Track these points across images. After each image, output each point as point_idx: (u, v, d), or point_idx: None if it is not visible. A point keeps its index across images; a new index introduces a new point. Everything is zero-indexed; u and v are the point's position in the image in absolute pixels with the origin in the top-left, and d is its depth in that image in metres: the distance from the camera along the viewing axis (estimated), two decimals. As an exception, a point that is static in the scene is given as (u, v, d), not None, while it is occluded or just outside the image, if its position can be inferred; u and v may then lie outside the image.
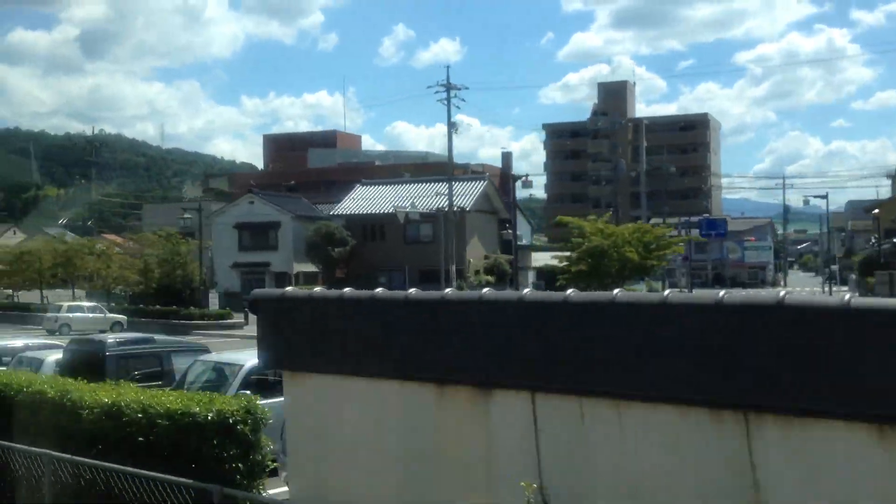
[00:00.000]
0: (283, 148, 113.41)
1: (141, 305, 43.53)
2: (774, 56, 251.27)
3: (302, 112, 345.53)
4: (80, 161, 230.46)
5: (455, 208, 53.25)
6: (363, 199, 60.02)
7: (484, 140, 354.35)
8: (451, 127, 53.41)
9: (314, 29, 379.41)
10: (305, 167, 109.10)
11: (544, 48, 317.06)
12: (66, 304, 40.25)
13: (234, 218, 58.94)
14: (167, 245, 42.29)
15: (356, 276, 56.28)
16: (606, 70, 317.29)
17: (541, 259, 63.17)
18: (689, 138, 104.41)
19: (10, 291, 56.19)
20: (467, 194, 56.77)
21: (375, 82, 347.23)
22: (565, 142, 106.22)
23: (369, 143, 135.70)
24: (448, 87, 52.87)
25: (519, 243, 64.21)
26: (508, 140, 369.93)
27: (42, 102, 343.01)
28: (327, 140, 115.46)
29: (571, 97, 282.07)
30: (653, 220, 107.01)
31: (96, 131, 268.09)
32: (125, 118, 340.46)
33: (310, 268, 60.83)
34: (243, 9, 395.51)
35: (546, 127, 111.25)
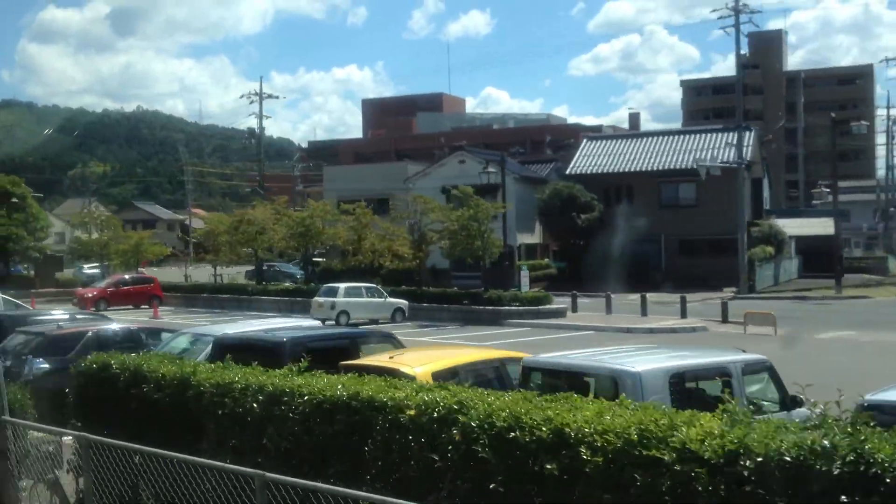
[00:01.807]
0: (387, 113, 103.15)
1: (409, 287, 33.54)
2: (810, 23, 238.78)
3: (332, 87, 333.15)
4: (119, 137, 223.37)
5: (743, 162, 43.36)
6: (597, 156, 49.91)
7: (515, 112, 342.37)
8: (740, 58, 43.41)
9: (343, 2, 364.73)
10: (412, 133, 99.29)
11: (575, 18, 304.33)
12: (342, 285, 30.26)
13: (441, 180, 48.66)
14: (462, 211, 31.49)
15: (597, 249, 46.41)
16: (638, 40, 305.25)
17: (789, 227, 53.18)
18: (849, 93, 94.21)
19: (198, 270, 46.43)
20: (737, 147, 46.73)
21: (410, 55, 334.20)
22: (707, 100, 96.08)
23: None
24: (737, 10, 42.78)
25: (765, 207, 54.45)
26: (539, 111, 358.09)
27: (75, 81, 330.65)
28: (432, 104, 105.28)
29: (602, 68, 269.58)
30: (821, 183, 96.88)
31: (132, 108, 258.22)
32: (157, 95, 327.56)
33: (529, 238, 50.95)
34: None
35: (684, 84, 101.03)
